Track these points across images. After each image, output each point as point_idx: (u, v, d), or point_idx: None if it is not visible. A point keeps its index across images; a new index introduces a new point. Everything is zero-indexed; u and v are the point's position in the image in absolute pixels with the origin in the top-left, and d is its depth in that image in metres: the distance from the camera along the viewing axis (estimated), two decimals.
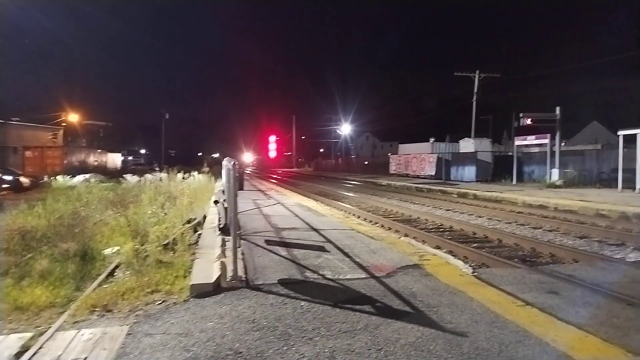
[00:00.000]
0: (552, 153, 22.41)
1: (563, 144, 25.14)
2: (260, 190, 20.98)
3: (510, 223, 11.92)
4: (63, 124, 47.16)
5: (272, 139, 76.21)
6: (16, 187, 20.72)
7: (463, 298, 4.42)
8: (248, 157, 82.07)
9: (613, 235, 9.63)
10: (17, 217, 8.68)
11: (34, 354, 3.35)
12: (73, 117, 49.33)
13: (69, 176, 25.04)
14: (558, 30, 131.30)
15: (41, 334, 3.77)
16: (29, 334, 3.78)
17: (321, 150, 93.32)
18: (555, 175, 21.81)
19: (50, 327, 3.95)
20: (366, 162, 53.08)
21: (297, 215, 10.95)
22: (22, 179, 22.18)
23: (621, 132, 17.80)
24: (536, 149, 26.17)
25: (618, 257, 7.89)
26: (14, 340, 3.64)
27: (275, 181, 35.02)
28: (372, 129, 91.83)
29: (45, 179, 24.00)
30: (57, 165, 33.42)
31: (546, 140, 22.77)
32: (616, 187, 18.35)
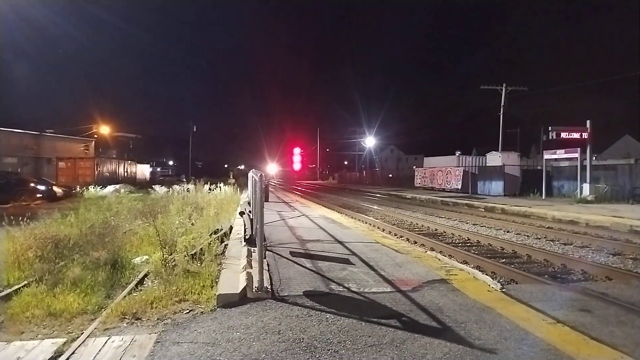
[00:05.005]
0: (583, 167, 21.80)
1: (594, 158, 24.43)
2: (284, 202, 21.10)
3: (539, 239, 11.63)
4: (95, 136, 48.80)
5: (297, 151, 76.66)
6: (50, 196, 21.37)
7: (491, 314, 4.33)
8: (272, 168, 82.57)
9: None
10: (50, 226, 8.94)
11: (67, 359, 3.45)
12: (104, 129, 50.93)
13: (99, 186, 25.86)
14: (588, 42, 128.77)
15: (74, 339, 3.89)
16: (62, 340, 3.90)
17: (345, 162, 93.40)
18: (586, 190, 21.20)
19: (82, 333, 4.06)
20: (391, 175, 52.95)
21: (321, 228, 10.96)
22: (56, 189, 22.84)
23: None
24: (566, 163, 25.52)
25: None
26: (48, 345, 3.76)
27: (299, 193, 35.13)
28: (396, 141, 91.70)
29: (77, 189, 24.74)
30: (89, 175, 34.38)
31: (576, 155, 22.20)
32: None
